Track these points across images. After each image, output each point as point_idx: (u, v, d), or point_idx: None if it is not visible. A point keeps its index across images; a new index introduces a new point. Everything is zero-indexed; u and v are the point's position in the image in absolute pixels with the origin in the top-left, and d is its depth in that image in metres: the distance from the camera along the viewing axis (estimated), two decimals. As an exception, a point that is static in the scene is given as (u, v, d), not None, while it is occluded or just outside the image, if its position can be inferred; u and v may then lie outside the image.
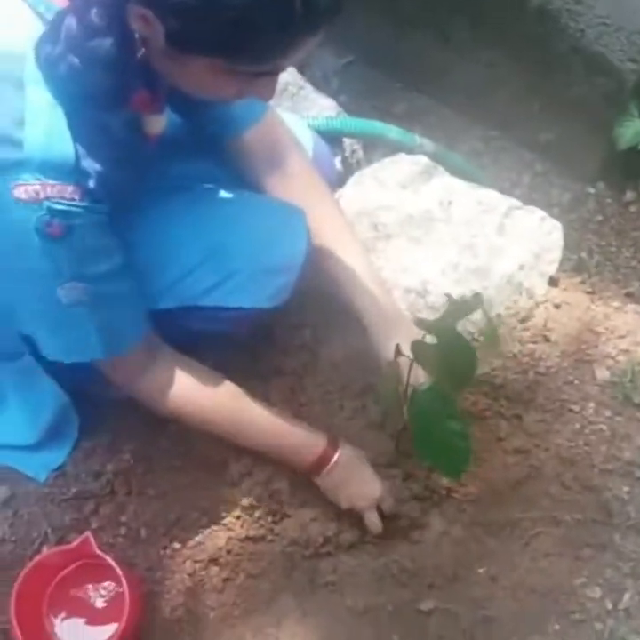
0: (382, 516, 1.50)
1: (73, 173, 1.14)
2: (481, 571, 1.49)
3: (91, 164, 1.16)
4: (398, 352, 1.35)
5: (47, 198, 1.12)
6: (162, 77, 1.17)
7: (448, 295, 1.29)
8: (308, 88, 2.06)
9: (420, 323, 1.32)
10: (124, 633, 1.37)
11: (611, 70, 1.90)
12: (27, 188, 1.11)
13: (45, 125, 1.11)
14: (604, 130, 2.00)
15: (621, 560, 1.46)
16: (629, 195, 2.07)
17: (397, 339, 1.40)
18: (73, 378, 1.52)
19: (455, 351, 1.26)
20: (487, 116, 2.21)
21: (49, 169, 1.12)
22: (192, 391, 1.42)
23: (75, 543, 1.42)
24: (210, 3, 0.99)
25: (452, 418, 1.33)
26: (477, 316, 1.45)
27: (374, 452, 1.56)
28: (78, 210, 1.16)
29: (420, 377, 1.37)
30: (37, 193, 1.12)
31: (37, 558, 1.43)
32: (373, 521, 1.49)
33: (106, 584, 1.49)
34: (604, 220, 2.04)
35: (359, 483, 1.49)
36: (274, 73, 1.14)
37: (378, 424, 1.61)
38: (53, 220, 1.14)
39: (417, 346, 1.30)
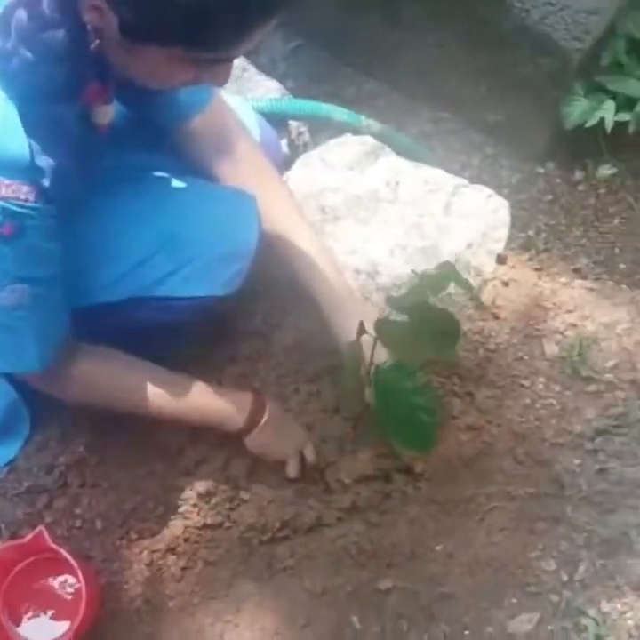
0: (303, 466, 1.54)
1: (28, 171, 1.12)
2: (438, 548, 1.50)
3: (45, 160, 1.13)
4: (362, 330, 1.35)
5: (2, 198, 1.10)
6: (113, 68, 1.16)
7: (414, 271, 1.28)
8: (252, 70, 2.05)
9: (390, 301, 1.31)
10: (81, 626, 1.36)
11: (555, 50, 1.90)
12: None
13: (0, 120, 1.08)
14: (551, 110, 2.00)
15: (575, 532, 1.48)
16: (578, 174, 2.08)
17: (355, 318, 1.39)
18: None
19: (433, 322, 1.27)
20: (436, 98, 2.20)
21: (3, 168, 1.09)
22: (115, 376, 1.43)
23: (28, 537, 1.40)
24: None
25: (418, 393, 1.34)
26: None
27: (330, 435, 1.57)
28: (32, 212, 1.14)
29: (382, 355, 1.37)
30: None
31: (-10, 554, 1.42)
32: (296, 467, 1.53)
33: (63, 578, 1.48)
34: (554, 200, 2.05)
35: (288, 434, 1.53)
36: (231, 58, 1.13)
37: (333, 407, 1.62)
38: (5, 220, 1.12)
39: (381, 324, 1.30)
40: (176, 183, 1.49)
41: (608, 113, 1.92)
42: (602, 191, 2.04)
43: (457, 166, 2.09)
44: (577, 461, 1.54)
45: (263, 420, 1.47)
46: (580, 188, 2.06)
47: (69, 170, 1.18)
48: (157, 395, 1.43)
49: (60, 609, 1.46)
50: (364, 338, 1.35)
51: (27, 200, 1.12)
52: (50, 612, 1.46)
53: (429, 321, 1.26)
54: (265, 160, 1.58)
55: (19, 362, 1.31)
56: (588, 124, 1.94)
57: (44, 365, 1.31)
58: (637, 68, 1.93)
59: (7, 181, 1.10)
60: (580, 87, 1.95)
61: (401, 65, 2.20)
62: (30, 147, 1.10)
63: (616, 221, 1.98)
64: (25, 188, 1.12)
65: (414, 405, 1.34)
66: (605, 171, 2.05)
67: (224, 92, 1.56)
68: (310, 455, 1.54)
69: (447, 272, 1.24)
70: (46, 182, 1.14)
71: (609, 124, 1.92)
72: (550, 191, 2.07)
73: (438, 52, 2.10)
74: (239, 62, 2.02)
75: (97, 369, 1.41)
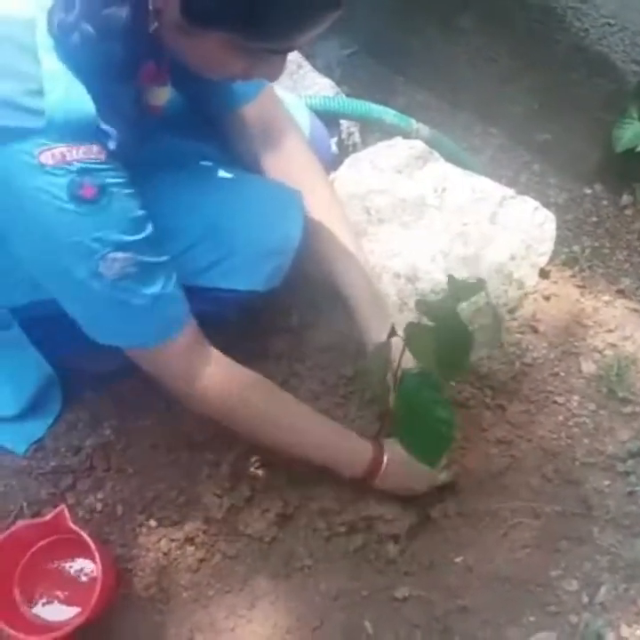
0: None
1: (95, 134, 1.12)
2: (458, 560, 1.48)
3: (108, 128, 1.14)
4: (393, 332, 1.32)
5: (75, 160, 1.10)
6: (168, 52, 1.16)
7: (450, 277, 1.25)
8: (307, 67, 2.06)
9: (419, 303, 1.29)
10: (94, 609, 1.35)
11: (612, 71, 1.89)
12: (53, 152, 1.09)
13: (64, 88, 1.09)
14: (602, 131, 1.99)
15: (599, 553, 1.45)
16: (626, 198, 2.06)
17: (385, 324, 1.38)
18: (58, 350, 1.51)
19: (451, 334, 1.24)
20: (487, 113, 2.19)
21: (72, 131, 1.10)
22: (250, 395, 1.38)
23: (49, 516, 1.41)
24: None
25: (441, 404, 1.31)
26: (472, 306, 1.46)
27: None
28: (107, 168, 1.14)
29: (409, 361, 1.36)
30: (64, 155, 1.10)
31: (10, 530, 1.41)
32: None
33: (80, 563, 1.47)
34: (599, 222, 2.03)
35: (413, 473, 1.46)
36: (287, 51, 1.13)
37: (361, 412, 1.60)
38: (84, 180, 1.12)
39: (411, 328, 1.28)
40: (224, 174, 1.49)
41: (661, 138, 1.90)
42: (648, 217, 2.01)
43: (504, 182, 2.06)
44: (606, 482, 1.51)
45: (383, 468, 1.45)
46: (627, 211, 2.04)
47: (126, 144, 1.18)
48: (288, 429, 1.43)
49: (74, 593, 1.45)
50: (394, 341, 1.33)
51: (99, 159, 1.13)
52: (63, 595, 1.46)
53: (449, 330, 1.24)
54: (312, 156, 1.58)
55: (132, 336, 1.28)
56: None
57: (159, 341, 1.28)
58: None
59: (77, 144, 1.10)
60: (635, 110, 1.94)
61: (454, 78, 2.20)
62: (96, 112, 1.11)
63: (661, 248, 1.95)
64: (95, 148, 1.12)
65: (435, 417, 1.30)
66: (653, 196, 2.02)
67: (278, 87, 1.56)
68: (442, 480, 1.51)
69: (479, 285, 1.21)
70: (112, 145, 1.14)
71: (661, 150, 1.89)
72: (596, 213, 2.05)
73: (492, 67, 2.10)
74: (295, 59, 2.02)
75: (234, 386, 1.37)
